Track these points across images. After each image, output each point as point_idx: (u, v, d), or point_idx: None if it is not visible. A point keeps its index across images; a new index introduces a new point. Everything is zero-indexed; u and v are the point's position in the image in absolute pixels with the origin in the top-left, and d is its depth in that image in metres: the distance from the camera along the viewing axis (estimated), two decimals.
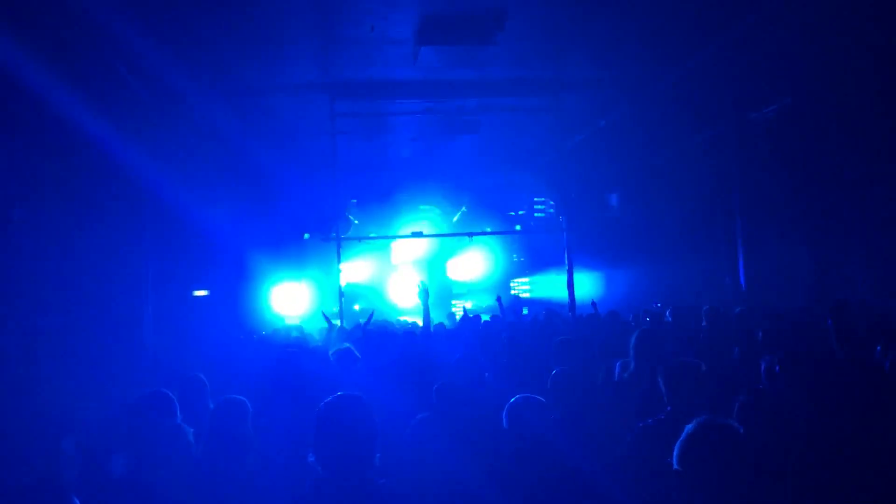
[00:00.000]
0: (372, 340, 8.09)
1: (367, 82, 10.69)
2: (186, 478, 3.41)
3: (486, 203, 18.50)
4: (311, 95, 11.12)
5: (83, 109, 8.77)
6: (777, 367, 4.58)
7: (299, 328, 11.98)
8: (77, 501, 2.67)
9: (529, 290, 20.30)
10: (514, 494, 3.19)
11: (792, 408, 4.24)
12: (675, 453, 2.51)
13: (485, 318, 12.21)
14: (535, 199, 16.33)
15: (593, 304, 10.95)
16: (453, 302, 19.81)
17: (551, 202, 12.10)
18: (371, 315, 11.31)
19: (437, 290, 19.85)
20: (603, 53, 9.87)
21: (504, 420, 3.46)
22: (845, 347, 5.12)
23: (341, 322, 12.01)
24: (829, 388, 4.11)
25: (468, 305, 18.64)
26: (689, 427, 2.53)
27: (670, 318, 10.06)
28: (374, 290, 19.49)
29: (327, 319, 10.30)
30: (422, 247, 19.94)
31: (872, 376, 4.20)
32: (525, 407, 3.44)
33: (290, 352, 6.27)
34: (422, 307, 8.60)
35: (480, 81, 10.83)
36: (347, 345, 7.56)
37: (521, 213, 18.79)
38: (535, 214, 11.35)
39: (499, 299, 11.64)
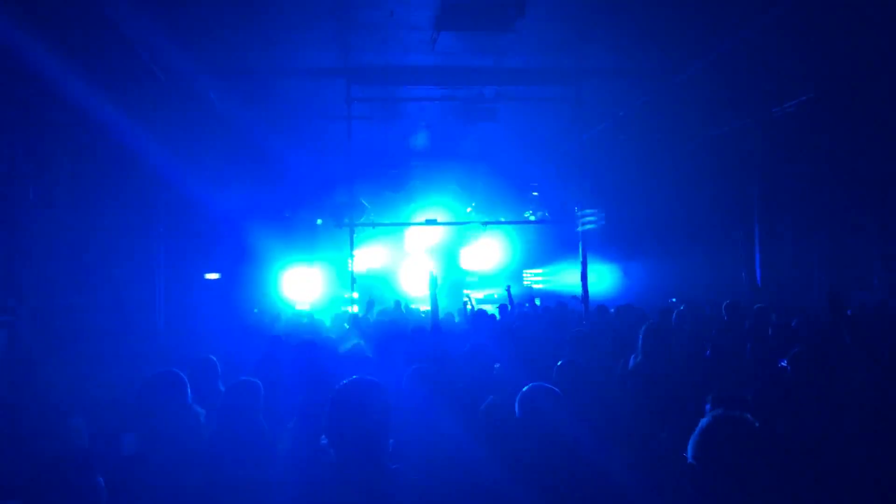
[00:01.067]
0: (382, 338, 8.02)
1: (384, 67, 10.64)
2: (196, 458, 3.38)
3: (502, 192, 18.43)
4: (327, 80, 11.08)
5: (96, 94, 8.80)
6: (788, 366, 4.52)
7: (310, 316, 12.00)
8: (101, 479, 2.64)
9: (543, 281, 20.23)
10: (527, 483, 3.15)
11: (802, 404, 4.19)
12: (689, 446, 2.48)
13: (491, 310, 12.17)
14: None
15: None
16: (465, 292, 19.77)
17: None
18: (371, 305, 11.29)
19: (449, 279, 19.84)
20: (623, 43, 9.76)
21: (517, 409, 3.42)
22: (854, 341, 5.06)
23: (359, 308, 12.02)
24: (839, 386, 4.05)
25: (479, 296, 18.61)
26: (703, 420, 2.50)
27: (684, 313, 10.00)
28: (384, 280, 19.46)
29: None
30: (435, 235, 19.90)
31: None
32: (538, 396, 3.39)
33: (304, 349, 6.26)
34: (430, 297, 8.56)
35: (499, 69, 10.75)
36: (357, 340, 7.55)
37: (535, 194, 18.67)
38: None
39: (508, 289, 11.58)
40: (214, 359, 5.39)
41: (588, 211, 11.89)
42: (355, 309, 12.13)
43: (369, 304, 11.65)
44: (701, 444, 2.46)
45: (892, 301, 10.15)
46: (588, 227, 11.87)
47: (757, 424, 2.47)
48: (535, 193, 18.25)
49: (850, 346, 5.08)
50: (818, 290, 11.76)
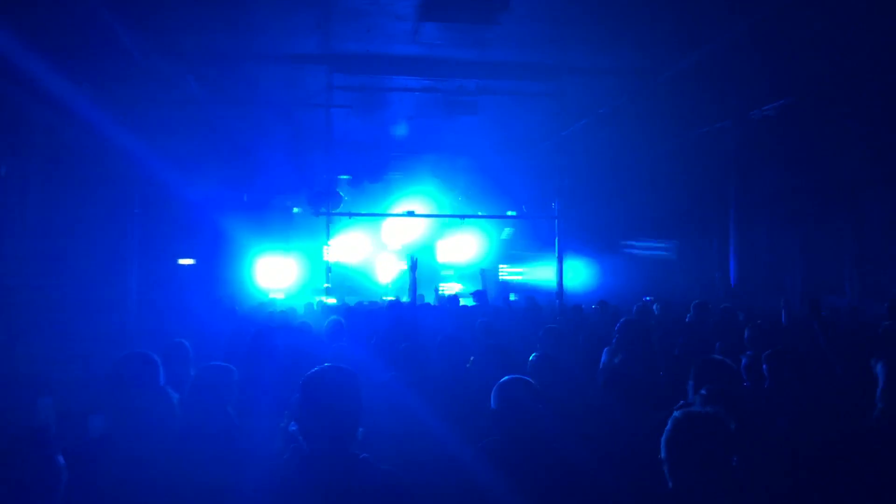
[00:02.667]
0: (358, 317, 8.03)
1: (365, 56, 10.56)
2: (167, 441, 3.34)
3: (480, 186, 18.41)
4: (308, 67, 10.98)
5: (70, 78, 8.71)
6: (765, 366, 4.57)
7: (281, 305, 11.95)
8: (61, 458, 2.60)
9: (519, 276, 20.26)
10: (502, 473, 3.16)
11: (774, 404, 4.24)
12: (661, 443, 2.55)
13: (465, 301, 12.18)
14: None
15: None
16: (440, 285, 19.74)
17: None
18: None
19: (424, 271, 19.80)
20: (607, 40, 9.78)
21: (492, 400, 3.41)
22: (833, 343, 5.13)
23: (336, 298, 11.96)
24: (813, 386, 4.10)
25: (457, 288, 18.62)
26: (674, 415, 2.55)
27: (657, 312, 10.09)
28: (359, 271, 19.40)
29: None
30: (412, 228, 19.86)
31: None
32: (514, 387, 3.39)
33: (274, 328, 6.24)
34: (409, 279, 8.53)
35: (481, 62, 10.72)
36: (335, 317, 7.53)
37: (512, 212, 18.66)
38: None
39: (482, 273, 11.55)
40: (187, 343, 5.34)
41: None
42: (332, 300, 12.08)
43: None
44: (670, 440, 2.53)
45: (862, 305, 10.29)
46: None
47: (727, 421, 2.52)
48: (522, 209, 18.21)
49: (823, 348, 5.15)
50: (791, 292, 11.89)
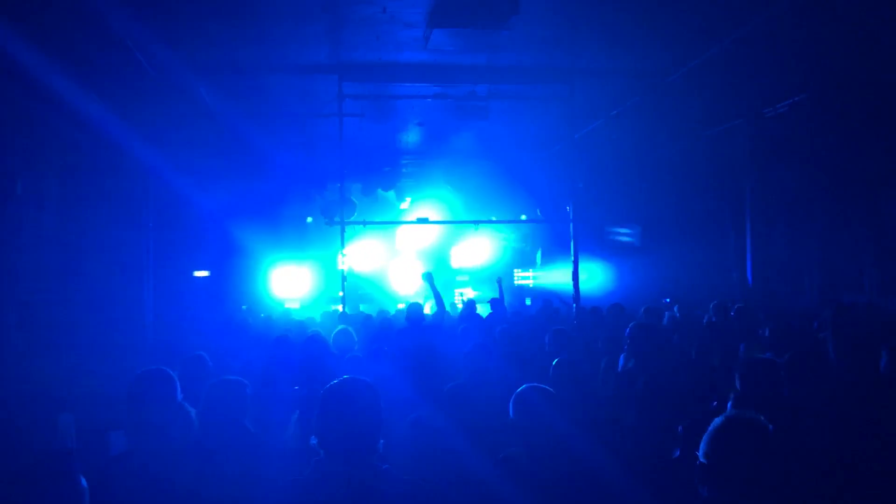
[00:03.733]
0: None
1: (376, 64, 10.57)
2: (187, 457, 3.33)
3: (492, 191, 18.38)
4: (319, 76, 11.01)
5: (84, 91, 8.76)
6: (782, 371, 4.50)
7: (288, 315, 11.95)
8: (83, 480, 2.59)
9: (533, 280, 20.21)
10: (522, 483, 3.13)
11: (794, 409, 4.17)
12: (702, 445, 2.49)
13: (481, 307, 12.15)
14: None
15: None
16: (456, 291, 19.72)
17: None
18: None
19: (439, 278, 19.80)
20: (617, 41, 9.74)
21: (511, 409, 3.39)
22: (843, 351, 5.07)
23: (343, 307, 11.95)
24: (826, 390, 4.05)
25: (471, 294, 18.58)
26: (716, 420, 2.50)
27: (677, 314, 10.03)
28: (375, 281, 19.41)
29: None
30: (426, 234, 19.86)
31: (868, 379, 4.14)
32: (533, 396, 3.37)
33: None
34: (431, 295, 8.52)
35: (492, 67, 10.70)
36: (343, 326, 7.51)
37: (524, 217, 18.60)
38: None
39: (499, 282, 11.53)
40: (205, 356, 5.34)
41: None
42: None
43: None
44: (714, 443, 2.48)
45: (881, 302, 10.18)
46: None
47: (770, 427, 2.48)
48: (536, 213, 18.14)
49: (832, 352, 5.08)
50: (809, 290, 11.78)
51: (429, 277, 9.06)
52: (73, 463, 2.61)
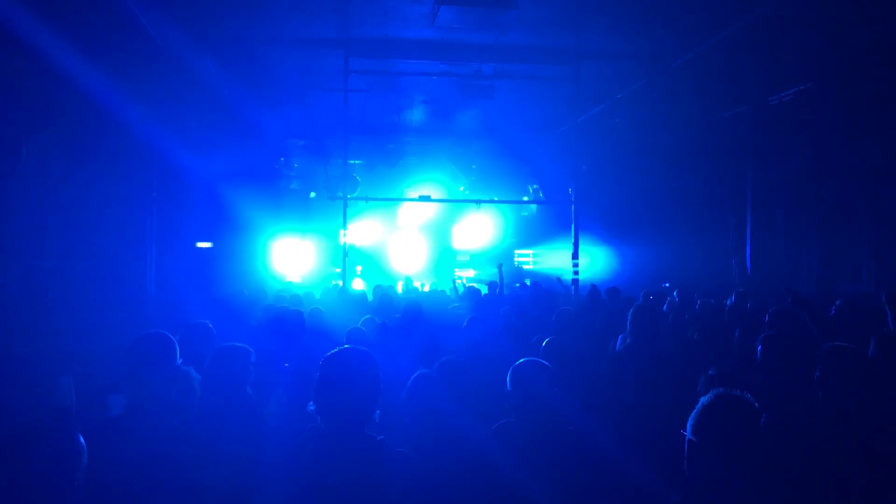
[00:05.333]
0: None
1: (383, 40, 10.56)
2: (186, 418, 3.39)
3: (496, 170, 18.38)
4: (325, 51, 10.99)
5: (89, 63, 8.74)
6: (759, 347, 4.54)
7: (290, 290, 11.98)
8: (82, 439, 2.65)
9: (533, 262, 20.25)
10: (517, 454, 3.19)
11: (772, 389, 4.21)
12: (689, 423, 2.52)
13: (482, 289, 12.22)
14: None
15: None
16: (456, 272, 19.77)
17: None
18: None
19: (440, 257, 19.87)
20: (624, 23, 9.72)
21: (508, 382, 3.45)
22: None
23: (344, 283, 12.01)
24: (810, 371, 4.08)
25: (470, 275, 18.64)
26: (705, 397, 2.53)
27: (676, 298, 10.06)
28: (374, 256, 19.46)
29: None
30: (428, 211, 19.89)
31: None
32: (529, 369, 3.43)
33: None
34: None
35: (499, 46, 10.69)
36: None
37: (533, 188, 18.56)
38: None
39: (499, 267, 11.59)
40: (209, 324, 5.39)
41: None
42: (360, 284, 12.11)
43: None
44: (702, 420, 2.51)
45: (879, 292, 10.21)
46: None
47: (757, 404, 2.52)
48: (535, 186, 18.12)
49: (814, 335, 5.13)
50: (808, 279, 11.82)
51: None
52: (71, 421, 2.66)
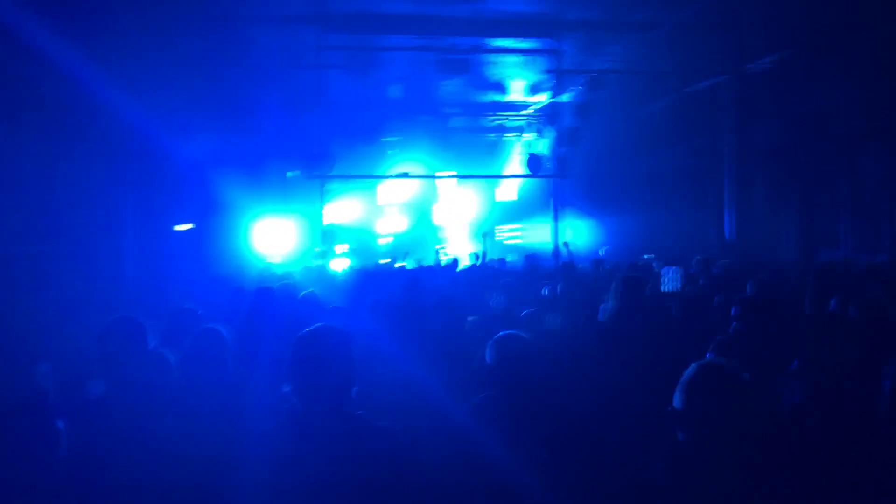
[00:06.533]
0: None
1: (357, 14, 10.42)
2: (162, 401, 3.36)
3: (475, 146, 18.30)
4: (298, 26, 10.84)
5: (62, 42, 8.56)
6: (734, 310, 4.58)
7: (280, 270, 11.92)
8: (60, 424, 2.61)
9: (515, 237, 20.25)
10: (498, 426, 3.18)
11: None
12: (676, 392, 2.52)
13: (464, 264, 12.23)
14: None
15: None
16: (437, 248, 19.73)
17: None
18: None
19: (422, 234, 19.83)
20: None
21: (487, 355, 3.44)
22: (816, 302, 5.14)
23: (324, 263, 11.95)
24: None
25: (453, 251, 18.62)
26: (691, 367, 2.53)
27: (657, 269, 10.10)
28: (359, 231, 19.36)
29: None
30: (408, 189, 19.82)
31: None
32: (510, 342, 3.42)
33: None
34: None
35: (475, 19, 10.58)
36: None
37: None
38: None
39: (484, 236, 11.58)
40: (195, 308, 5.38)
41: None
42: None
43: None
44: (688, 389, 2.51)
45: (857, 258, 10.31)
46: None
47: (745, 375, 2.51)
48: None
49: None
50: (787, 246, 11.90)
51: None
52: (48, 405, 2.64)
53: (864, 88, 10.19)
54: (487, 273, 10.62)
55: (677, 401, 2.52)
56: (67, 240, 9.82)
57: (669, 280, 7.82)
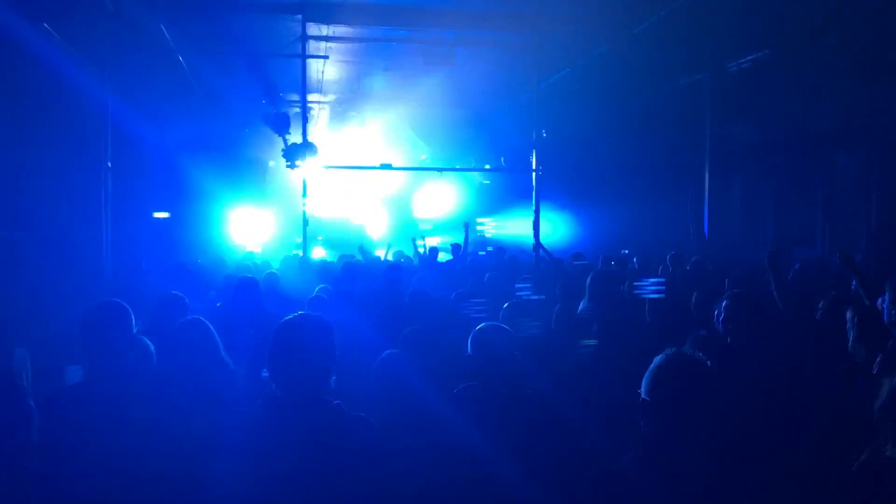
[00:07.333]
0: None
1: (341, 4, 10.38)
2: (142, 387, 3.37)
3: (457, 138, 18.28)
4: (281, 16, 10.78)
5: (36, 27, 8.47)
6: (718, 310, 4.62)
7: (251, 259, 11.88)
8: (32, 403, 2.61)
9: (496, 229, 20.24)
10: (478, 416, 3.22)
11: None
12: (643, 383, 2.55)
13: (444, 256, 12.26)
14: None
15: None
16: (417, 241, 19.69)
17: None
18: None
19: (402, 226, 19.81)
20: None
21: (469, 346, 3.48)
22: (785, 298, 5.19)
23: (304, 252, 11.92)
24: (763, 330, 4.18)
25: (434, 242, 18.61)
26: (658, 358, 2.57)
27: (636, 265, 10.19)
28: (337, 225, 19.32)
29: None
30: (389, 180, 19.80)
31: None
32: (491, 333, 3.46)
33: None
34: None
35: (459, 11, 10.58)
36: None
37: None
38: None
39: (466, 227, 11.59)
40: (183, 296, 5.38)
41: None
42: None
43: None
44: (655, 380, 2.54)
45: (831, 256, 10.46)
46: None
47: (709, 364, 2.55)
48: (503, 158, 18.02)
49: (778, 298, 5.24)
50: (764, 244, 12.04)
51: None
52: (16, 379, 2.63)
53: (841, 89, 10.32)
54: (472, 265, 10.67)
55: (644, 390, 2.56)
56: (43, 225, 9.74)
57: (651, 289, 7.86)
